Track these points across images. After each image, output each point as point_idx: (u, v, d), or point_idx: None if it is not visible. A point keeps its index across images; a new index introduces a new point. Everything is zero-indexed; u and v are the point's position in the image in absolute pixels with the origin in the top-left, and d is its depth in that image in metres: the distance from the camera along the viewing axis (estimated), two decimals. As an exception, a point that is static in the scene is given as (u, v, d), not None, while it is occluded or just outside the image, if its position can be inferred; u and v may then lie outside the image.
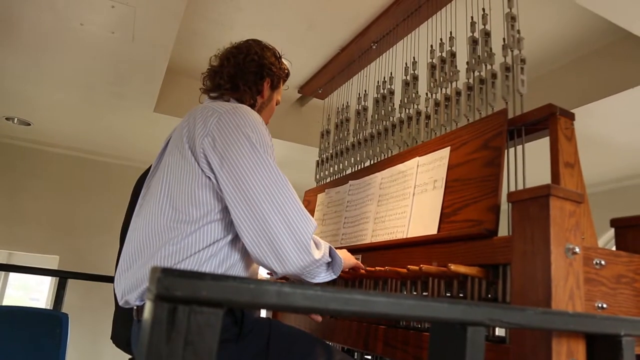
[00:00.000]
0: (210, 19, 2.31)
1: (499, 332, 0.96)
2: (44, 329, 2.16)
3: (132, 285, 1.01)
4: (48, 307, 4.00)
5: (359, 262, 1.32)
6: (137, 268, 1.00)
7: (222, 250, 0.98)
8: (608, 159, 3.32)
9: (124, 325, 1.54)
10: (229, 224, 0.98)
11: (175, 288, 0.41)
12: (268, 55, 1.22)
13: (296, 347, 1.01)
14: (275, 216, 0.94)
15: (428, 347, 0.64)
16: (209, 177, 0.98)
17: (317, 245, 1.03)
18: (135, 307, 1.02)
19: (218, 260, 0.97)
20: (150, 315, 0.43)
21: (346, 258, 1.22)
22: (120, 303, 1.06)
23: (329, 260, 1.06)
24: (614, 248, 1.11)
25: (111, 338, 1.64)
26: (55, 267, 3.91)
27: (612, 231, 1.19)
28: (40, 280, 4.42)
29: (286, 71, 1.29)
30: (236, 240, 1.00)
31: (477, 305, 0.59)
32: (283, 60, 1.29)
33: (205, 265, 0.95)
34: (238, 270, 1.01)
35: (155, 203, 1.01)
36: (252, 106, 1.18)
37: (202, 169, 0.99)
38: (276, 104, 1.31)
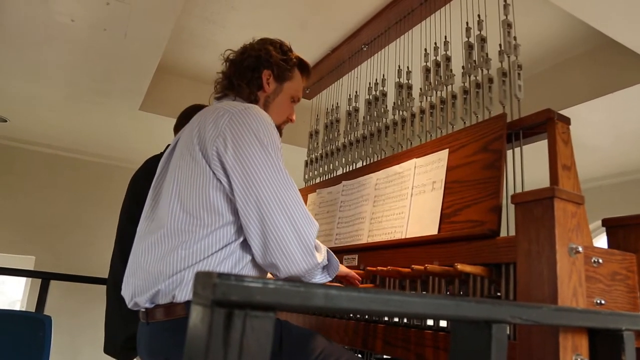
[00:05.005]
0: (202, 17, 2.29)
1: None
2: (27, 333, 2.10)
3: (142, 287, 1.00)
4: (13, 309, 3.88)
5: (352, 272, 1.31)
6: (148, 271, 0.99)
7: (235, 252, 0.98)
8: (578, 161, 3.44)
9: (121, 329, 1.52)
10: (240, 227, 0.99)
11: (231, 293, 0.42)
12: (268, 48, 1.18)
13: (307, 349, 1.02)
14: (282, 219, 0.96)
15: (450, 345, 0.66)
16: (220, 180, 0.98)
17: (317, 248, 1.04)
18: (144, 310, 1.01)
19: (232, 262, 0.97)
20: (205, 321, 0.43)
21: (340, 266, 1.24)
22: (129, 305, 1.05)
23: (326, 263, 1.09)
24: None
25: (105, 350, 1.60)
26: (31, 268, 3.80)
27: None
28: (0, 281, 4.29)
29: (294, 60, 1.23)
30: (247, 242, 1.00)
31: (501, 304, 0.62)
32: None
33: (219, 267, 0.95)
34: (251, 271, 1.02)
35: (166, 207, 1.00)
36: (255, 102, 1.17)
37: (213, 172, 0.99)
38: (296, 101, 1.25)
